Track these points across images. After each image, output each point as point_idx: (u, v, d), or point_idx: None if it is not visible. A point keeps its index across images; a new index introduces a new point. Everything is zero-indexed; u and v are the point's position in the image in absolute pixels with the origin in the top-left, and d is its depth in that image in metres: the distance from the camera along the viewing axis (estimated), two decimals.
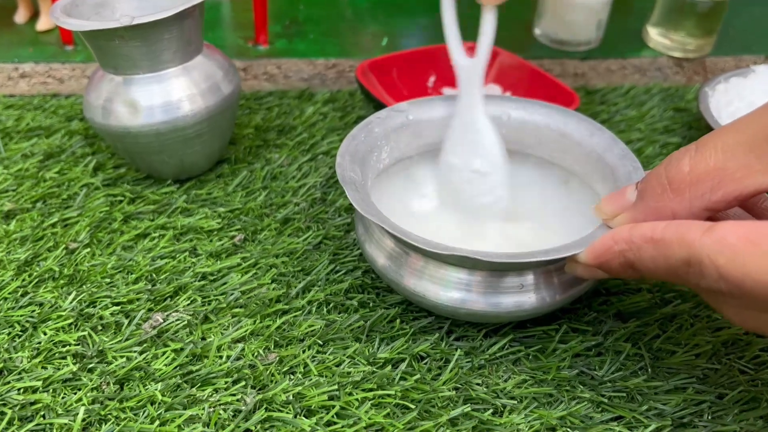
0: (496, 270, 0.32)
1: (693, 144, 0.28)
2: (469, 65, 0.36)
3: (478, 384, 0.33)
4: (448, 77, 0.54)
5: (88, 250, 0.39)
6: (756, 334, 0.35)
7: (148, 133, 0.41)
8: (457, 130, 0.38)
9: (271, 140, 0.49)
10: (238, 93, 0.44)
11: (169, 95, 0.40)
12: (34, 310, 0.35)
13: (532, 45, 0.59)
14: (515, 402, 0.32)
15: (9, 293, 0.36)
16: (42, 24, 0.57)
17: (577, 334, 0.35)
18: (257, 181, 0.45)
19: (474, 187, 0.38)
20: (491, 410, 0.32)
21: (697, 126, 0.52)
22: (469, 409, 0.31)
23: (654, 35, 0.59)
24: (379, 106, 0.49)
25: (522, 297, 0.32)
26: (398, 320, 0.35)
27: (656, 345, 0.35)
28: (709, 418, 0.32)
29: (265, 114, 0.52)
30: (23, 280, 0.37)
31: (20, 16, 0.58)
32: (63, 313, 0.35)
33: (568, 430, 0.31)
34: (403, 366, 0.33)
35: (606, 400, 0.32)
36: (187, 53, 0.41)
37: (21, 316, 0.35)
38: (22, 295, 0.36)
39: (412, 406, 0.31)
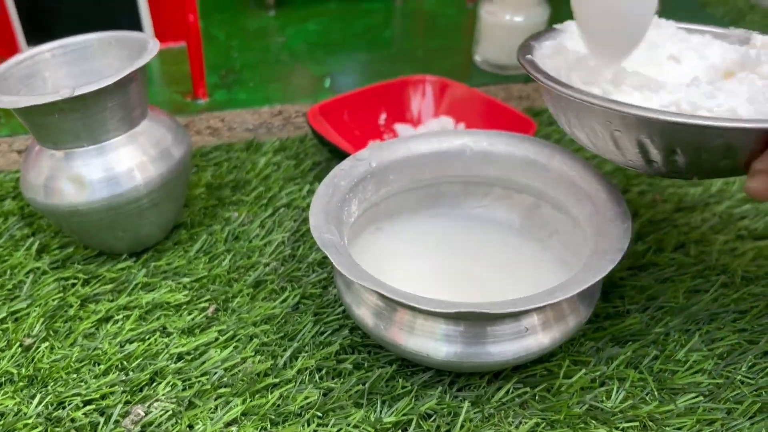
0: (499, 318, 0.31)
1: None
2: None
3: None
4: (397, 113, 0.53)
5: (46, 344, 0.36)
6: None
7: (98, 209, 0.38)
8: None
9: (226, 198, 0.47)
10: (189, 154, 0.42)
11: (117, 166, 0.38)
12: None
13: (475, 72, 0.59)
14: None
15: None
16: None
17: (578, 367, 0.35)
18: (219, 244, 0.43)
19: None
20: None
21: None
22: None
23: None
24: (334, 150, 0.48)
25: (528, 340, 0.31)
26: (397, 378, 0.34)
27: (657, 366, 0.35)
28: None
29: (215, 170, 0.49)
30: None
31: None
32: (29, 421, 0.32)
33: None
34: (411, 428, 0.31)
35: None
36: (132, 119, 0.39)
37: None
38: None
39: None
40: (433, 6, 0.70)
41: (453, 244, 0.41)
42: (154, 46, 0.38)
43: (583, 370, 0.34)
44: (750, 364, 0.35)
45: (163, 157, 0.39)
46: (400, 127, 0.53)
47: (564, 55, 0.36)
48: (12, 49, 0.58)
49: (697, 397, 0.33)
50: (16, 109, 0.35)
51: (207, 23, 0.66)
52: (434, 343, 0.31)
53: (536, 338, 0.31)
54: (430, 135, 0.41)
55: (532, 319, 0.31)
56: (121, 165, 0.38)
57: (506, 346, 0.31)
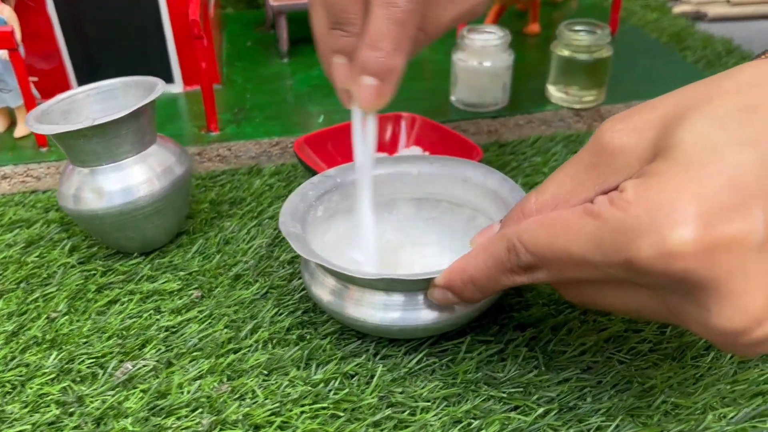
0: (412, 290, 0.39)
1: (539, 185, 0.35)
2: (361, 167, 0.42)
3: (399, 392, 0.39)
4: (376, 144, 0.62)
5: (67, 317, 0.46)
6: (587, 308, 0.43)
7: (113, 214, 0.48)
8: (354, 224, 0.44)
9: (224, 211, 0.56)
10: (189, 173, 0.52)
11: (129, 180, 0.48)
12: (21, 371, 0.42)
13: (450, 110, 0.68)
14: (428, 403, 0.38)
15: None
16: (19, 131, 0.65)
17: (482, 345, 0.42)
18: (212, 246, 0.52)
19: None
20: (408, 411, 0.38)
21: None
22: (390, 412, 0.38)
23: (554, 92, 0.68)
24: (315, 172, 0.57)
25: (442, 311, 0.39)
26: (331, 347, 0.42)
27: (550, 348, 0.42)
28: (590, 399, 0.38)
29: (219, 190, 0.59)
30: (11, 347, 0.43)
31: None
32: (47, 371, 0.41)
33: (471, 420, 0.37)
34: (335, 383, 0.39)
35: (505, 395, 0.39)
36: (142, 144, 0.49)
37: (11, 376, 0.41)
38: (11, 360, 0.42)
39: (342, 414, 0.37)
40: (424, 53, 0.79)
41: (407, 242, 0.49)
42: (160, 88, 0.49)
43: (485, 347, 0.42)
44: (630, 347, 0.42)
45: (165, 174, 0.49)
46: (378, 156, 0.62)
47: None
48: None
49: (575, 370, 0.40)
50: (53, 135, 0.46)
51: (229, 70, 0.77)
52: (371, 311, 0.39)
53: (450, 309, 0.39)
54: (388, 159, 0.50)
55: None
56: (132, 179, 0.48)
57: (424, 314, 0.39)
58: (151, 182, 0.49)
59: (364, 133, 0.41)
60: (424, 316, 0.39)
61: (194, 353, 0.42)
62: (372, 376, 0.40)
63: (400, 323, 0.39)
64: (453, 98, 0.68)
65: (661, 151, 0.29)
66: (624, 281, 0.30)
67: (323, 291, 0.42)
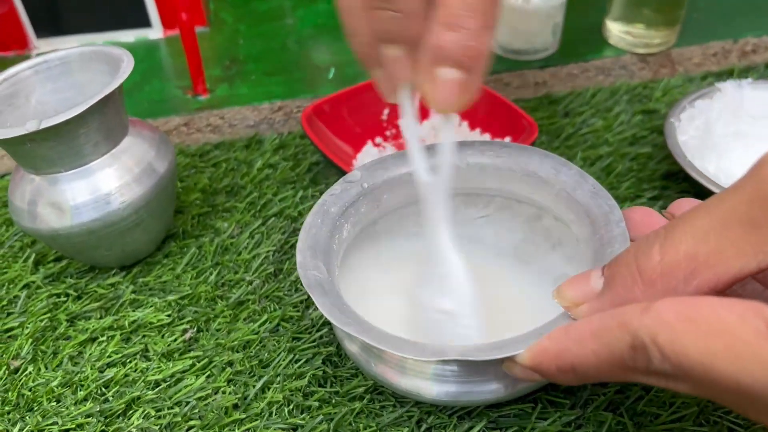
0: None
1: (662, 228, 0.25)
2: (432, 183, 0.31)
3: None
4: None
5: (33, 365, 0.37)
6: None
7: (79, 233, 0.38)
8: (425, 260, 0.33)
9: (219, 204, 0.46)
10: (174, 166, 0.41)
11: (98, 189, 0.38)
12: None
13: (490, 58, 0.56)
14: None
15: None
16: None
17: (555, 409, 0.33)
18: (207, 257, 0.42)
19: (441, 327, 0.33)
20: None
21: None
22: None
23: (615, 31, 0.56)
24: (326, 156, 0.46)
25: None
26: (364, 416, 0.33)
27: (639, 408, 0.33)
28: None
29: (213, 173, 0.49)
30: None
31: None
32: None
33: None
34: None
35: None
36: (111, 140, 0.38)
37: None
38: None
39: None
40: None
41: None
42: (127, 65, 0.38)
43: (559, 413, 0.33)
44: None
45: (145, 174, 0.39)
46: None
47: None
48: (23, 44, 0.58)
49: None
50: None
51: (217, 6, 0.64)
52: (425, 383, 0.30)
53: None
54: (423, 150, 0.39)
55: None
56: (102, 188, 0.38)
57: (493, 386, 0.30)
58: (128, 188, 0.38)
59: (426, 140, 0.30)
60: (494, 387, 0.30)
61: (192, 422, 0.34)
62: None
63: (465, 397, 0.30)
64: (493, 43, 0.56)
65: None
66: None
67: (357, 347, 0.32)
